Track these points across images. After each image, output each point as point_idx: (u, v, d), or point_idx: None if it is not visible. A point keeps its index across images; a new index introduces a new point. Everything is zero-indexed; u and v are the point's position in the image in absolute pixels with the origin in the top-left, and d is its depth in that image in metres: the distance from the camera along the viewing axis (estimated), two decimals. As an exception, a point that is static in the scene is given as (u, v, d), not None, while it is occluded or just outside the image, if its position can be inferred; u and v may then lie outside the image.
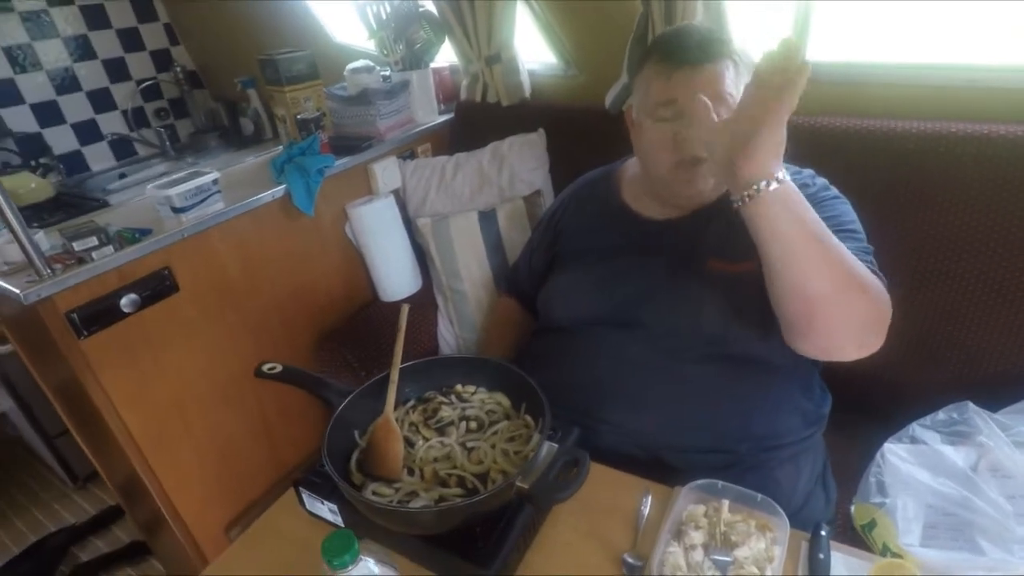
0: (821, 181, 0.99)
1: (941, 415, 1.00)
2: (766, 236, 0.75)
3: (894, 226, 1.14)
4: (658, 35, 0.99)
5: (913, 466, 0.94)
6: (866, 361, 0.81)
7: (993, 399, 1.00)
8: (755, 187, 0.72)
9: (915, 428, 1.00)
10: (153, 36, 2.49)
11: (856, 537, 0.97)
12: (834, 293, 0.75)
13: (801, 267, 0.74)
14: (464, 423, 0.84)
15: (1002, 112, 1.10)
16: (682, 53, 0.90)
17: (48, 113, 2.26)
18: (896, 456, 0.96)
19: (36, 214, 1.84)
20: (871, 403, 1.19)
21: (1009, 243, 1.06)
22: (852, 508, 1.00)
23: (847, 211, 0.95)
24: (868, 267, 0.83)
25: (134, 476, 1.32)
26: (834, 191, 0.98)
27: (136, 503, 1.52)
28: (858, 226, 0.93)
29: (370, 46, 1.75)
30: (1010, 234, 1.06)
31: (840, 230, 0.86)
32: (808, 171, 1.01)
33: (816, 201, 0.92)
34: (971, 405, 0.99)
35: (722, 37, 0.94)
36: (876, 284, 0.80)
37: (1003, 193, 1.05)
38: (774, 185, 0.71)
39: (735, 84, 0.90)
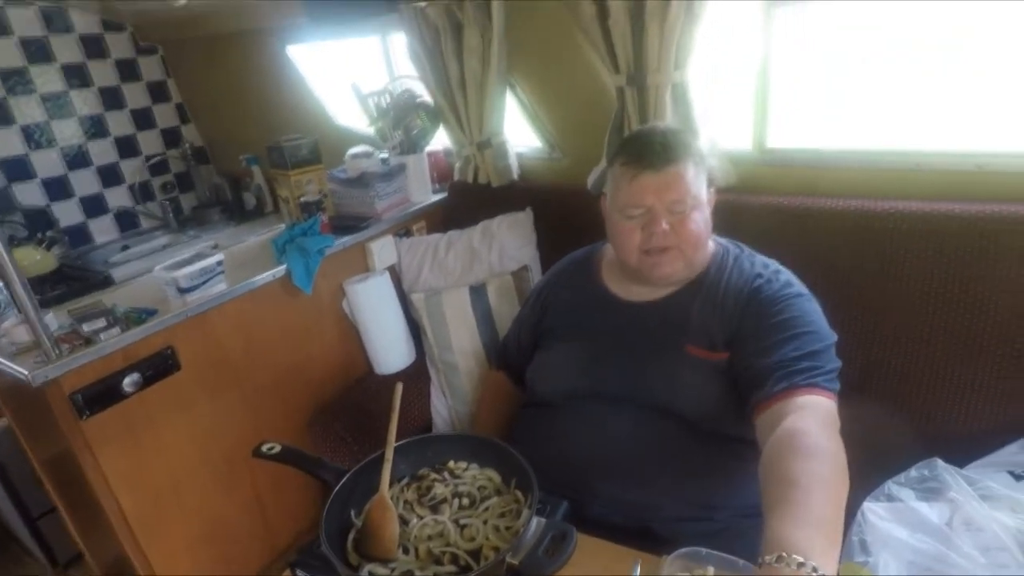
0: (784, 278, 1.04)
1: (913, 472, 1.03)
2: None
3: (856, 295, 1.21)
4: (626, 138, 1.12)
5: (891, 524, 0.96)
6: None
7: (961, 454, 1.04)
8: None
9: (890, 486, 1.02)
10: (165, 115, 2.62)
11: (850, 597, 0.98)
12: None
13: None
14: (457, 500, 0.87)
15: (947, 192, 1.20)
16: (647, 158, 1.01)
17: (57, 188, 2.34)
18: (875, 515, 0.98)
19: (38, 287, 1.87)
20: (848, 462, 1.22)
21: (961, 307, 1.13)
22: (839, 567, 1.01)
23: (806, 310, 0.99)
24: (819, 373, 0.88)
25: (123, 558, 1.31)
26: (796, 288, 1.02)
27: (123, 586, 1.49)
28: (815, 325, 0.97)
29: (370, 130, 1.87)
30: (956, 298, 1.13)
31: (794, 333, 0.93)
32: (773, 266, 1.07)
33: (775, 300, 0.99)
34: (939, 462, 1.02)
35: (683, 140, 1.04)
36: (842, 471, 0.79)
37: (952, 262, 1.13)
38: None
39: (695, 181, 1.01)
